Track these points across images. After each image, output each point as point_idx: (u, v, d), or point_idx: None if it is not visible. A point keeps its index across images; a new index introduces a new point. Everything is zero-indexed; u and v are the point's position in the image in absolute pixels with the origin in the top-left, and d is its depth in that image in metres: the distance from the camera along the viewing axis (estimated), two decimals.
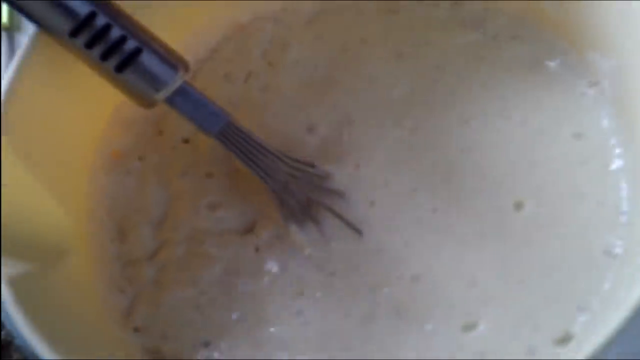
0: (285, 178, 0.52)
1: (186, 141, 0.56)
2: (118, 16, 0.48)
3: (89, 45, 0.47)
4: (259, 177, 0.51)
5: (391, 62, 0.57)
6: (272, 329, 0.49)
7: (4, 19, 0.70)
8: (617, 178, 0.49)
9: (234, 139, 0.51)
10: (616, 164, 0.50)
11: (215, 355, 0.49)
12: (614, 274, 0.46)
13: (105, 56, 0.47)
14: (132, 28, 0.48)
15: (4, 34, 0.70)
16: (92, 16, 0.47)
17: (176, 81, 0.49)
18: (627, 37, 0.48)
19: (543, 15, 0.55)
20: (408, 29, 0.58)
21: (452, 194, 0.52)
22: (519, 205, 0.50)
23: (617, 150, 0.50)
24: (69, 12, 0.47)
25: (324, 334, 0.48)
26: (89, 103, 0.53)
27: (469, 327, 0.47)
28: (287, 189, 0.52)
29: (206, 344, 0.49)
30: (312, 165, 0.53)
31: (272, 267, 0.51)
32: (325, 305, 0.49)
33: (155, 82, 0.48)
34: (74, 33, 0.47)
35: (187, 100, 0.50)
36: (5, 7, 0.68)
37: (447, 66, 0.56)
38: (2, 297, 0.42)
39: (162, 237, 0.53)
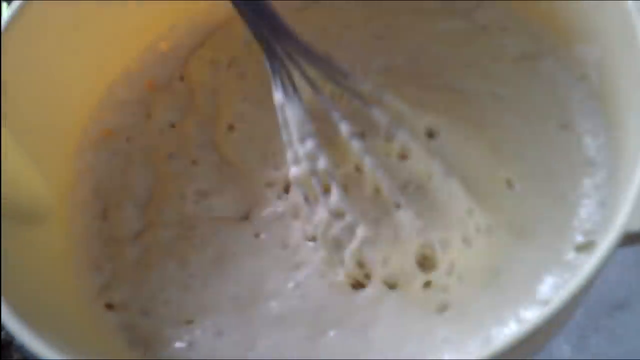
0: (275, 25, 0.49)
1: (172, 126, 0.56)
2: None
3: None
4: (243, 18, 0.49)
5: (369, 44, 0.57)
6: (271, 304, 0.48)
7: (4, 18, 0.70)
8: (599, 177, 0.49)
9: None
10: (599, 160, 0.49)
11: (197, 332, 0.48)
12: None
13: None
14: None
15: None
16: None
17: None
18: (609, 28, 0.48)
19: (533, 7, 0.55)
20: (392, 15, 0.58)
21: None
22: (509, 183, 0.50)
23: (601, 147, 0.50)
24: None
25: (319, 307, 0.48)
26: (81, 81, 0.54)
27: (442, 308, 0.46)
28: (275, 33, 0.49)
29: (189, 322, 0.48)
30: None
31: (274, 247, 0.51)
32: (321, 276, 0.49)
33: None
34: None
35: None
36: (5, 6, 0.68)
37: (431, 47, 0.56)
38: None
39: (148, 219, 0.53)
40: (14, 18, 0.49)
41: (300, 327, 0.47)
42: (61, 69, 0.52)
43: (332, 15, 0.59)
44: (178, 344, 0.47)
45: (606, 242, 0.37)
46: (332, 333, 0.46)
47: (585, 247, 0.46)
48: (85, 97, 0.55)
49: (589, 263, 0.37)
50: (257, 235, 0.51)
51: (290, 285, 0.49)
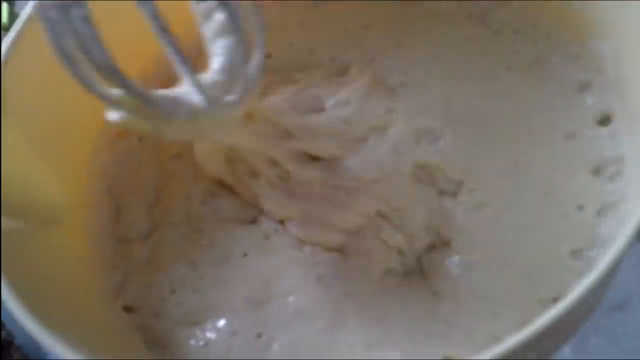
0: None
1: None
2: None
3: None
4: None
5: (389, 51, 0.57)
6: (289, 299, 0.48)
7: (4, 19, 0.70)
8: (604, 181, 0.49)
9: None
10: (606, 165, 0.49)
11: (209, 333, 0.48)
12: (581, 275, 0.44)
13: None
14: None
15: (4, 34, 0.70)
16: None
17: None
18: (626, 20, 0.48)
19: (545, 5, 0.55)
20: (409, 19, 0.58)
21: None
22: None
23: (610, 153, 0.49)
24: None
25: (344, 294, 0.48)
26: None
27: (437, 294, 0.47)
28: None
29: (201, 323, 0.48)
30: None
31: (287, 248, 0.50)
32: (344, 267, 0.49)
33: None
34: None
35: None
36: (5, 6, 0.68)
37: (444, 58, 0.56)
38: None
39: (156, 219, 0.53)
40: (28, 19, 0.48)
41: (320, 319, 0.47)
42: None
43: (351, 14, 0.59)
44: (192, 346, 0.47)
45: (624, 234, 0.37)
46: (350, 322, 0.46)
47: (584, 253, 0.46)
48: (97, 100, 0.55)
49: (605, 259, 0.36)
50: (267, 237, 0.51)
51: (312, 278, 0.48)
